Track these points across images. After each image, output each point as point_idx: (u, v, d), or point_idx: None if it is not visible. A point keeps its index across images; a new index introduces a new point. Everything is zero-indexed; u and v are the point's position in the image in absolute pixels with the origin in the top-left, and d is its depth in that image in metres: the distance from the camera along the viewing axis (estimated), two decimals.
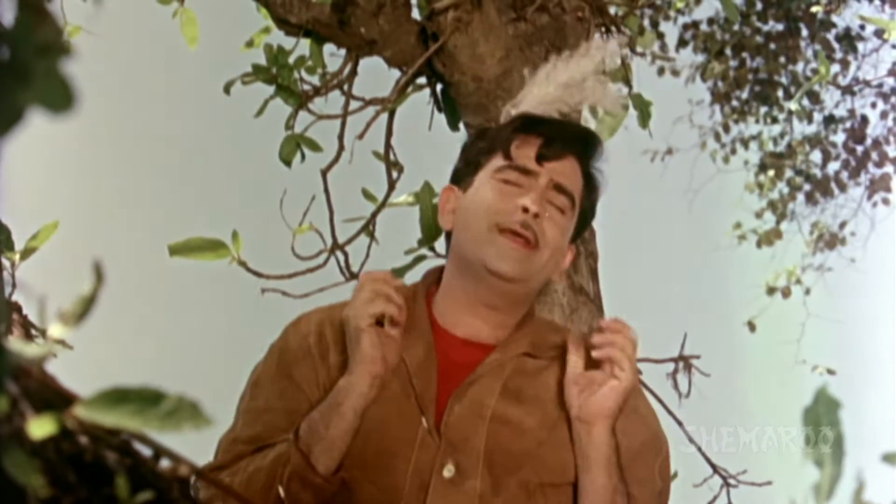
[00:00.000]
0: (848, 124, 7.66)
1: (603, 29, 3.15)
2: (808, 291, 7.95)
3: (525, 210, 1.68)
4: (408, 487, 1.61)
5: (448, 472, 1.61)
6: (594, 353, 1.65)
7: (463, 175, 1.81)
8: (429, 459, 1.62)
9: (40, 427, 0.61)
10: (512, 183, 1.72)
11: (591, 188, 1.82)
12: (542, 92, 1.84)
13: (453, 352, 1.72)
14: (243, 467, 1.63)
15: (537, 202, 1.69)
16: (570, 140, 1.78)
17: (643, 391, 1.85)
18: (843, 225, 7.98)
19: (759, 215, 8.08)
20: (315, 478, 1.57)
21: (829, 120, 7.66)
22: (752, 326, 7.72)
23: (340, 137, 2.92)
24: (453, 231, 1.77)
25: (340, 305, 1.73)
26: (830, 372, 6.92)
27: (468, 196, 1.76)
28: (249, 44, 3.33)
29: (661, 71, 7.67)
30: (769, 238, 7.97)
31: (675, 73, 7.73)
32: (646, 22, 7.25)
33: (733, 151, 8.04)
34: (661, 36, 7.51)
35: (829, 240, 7.98)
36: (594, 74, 1.88)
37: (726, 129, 7.92)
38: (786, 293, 7.86)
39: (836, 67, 7.20)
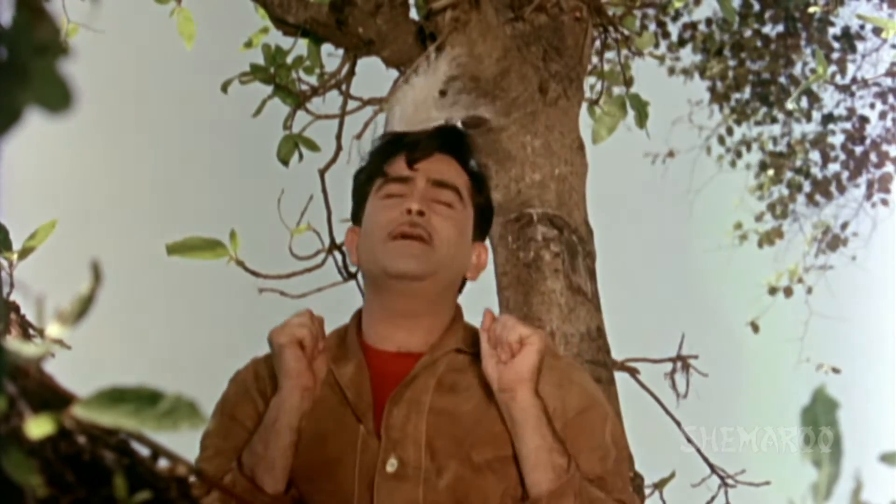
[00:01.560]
0: (847, 124, 7.67)
1: (601, 29, 3.15)
2: (809, 290, 7.96)
3: (409, 211, 1.74)
4: (356, 489, 1.64)
5: (391, 466, 1.65)
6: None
7: (357, 212, 1.89)
8: (372, 459, 1.66)
9: (38, 427, 0.61)
10: (394, 195, 1.79)
11: (477, 182, 1.88)
12: (402, 112, 1.93)
13: (387, 365, 1.76)
14: None
15: (419, 201, 1.75)
16: (434, 139, 1.85)
17: (579, 366, 1.88)
18: (844, 226, 7.98)
19: (758, 218, 8.08)
20: (264, 497, 1.60)
21: (828, 118, 7.66)
22: (755, 327, 7.71)
23: (338, 137, 2.92)
24: (359, 260, 1.84)
25: (263, 359, 1.81)
26: (835, 370, 6.90)
27: (364, 225, 1.84)
28: (248, 43, 3.33)
29: (671, 71, 7.67)
30: (770, 238, 7.97)
31: (687, 72, 7.72)
32: (651, 23, 7.26)
33: (738, 154, 8.05)
34: (667, 35, 7.51)
35: (832, 241, 7.98)
36: (438, 91, 1.96)
37: (730, 132, 7.92)
38: (788, 292, 7.86)
39: (835, 67, 7.20)
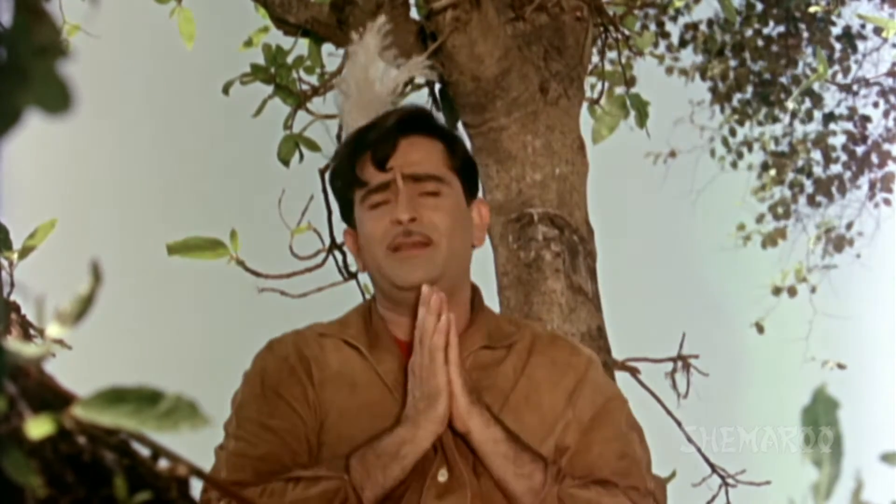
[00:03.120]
0: (849, 124, 7.67)
1: (602, 29, 3.15)
2: (814, 289, 7.95)
3: (399, 222, 1.71)
4: (406, 494, 1.64)
5: (442, 476, 1.65)
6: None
7: (346, 215, 1.86)
8: (422, 467, 1.65)
9: (38, 427, 0.61)
10: (379, 204, 1.75)
11: (451, 145, 1.83)
12: (356, 100, 1.87)
13: None
14: (278, 492, 1.63)
15: (405, 209, 1.71)
16: (391, 131, 1.78)
17: (598, 362, 1.86)
18: (850, 225, 7.98)
19: (759, 220, 8.08)
20: None
21: (829, 118, 7.66)
22: (760, 328, 7.69)
23: (339, 137, 2.92)
24: (365, 265, 1.81)
25: (308, 328, 1.80)
26: (841, 366, 6.89)
27: (360, 236, 1.80)
28: (248, 43, 3.33)
29: (669, 70, 7.68)
30: (773, 238, 7.97)
31: (685, 72, 7.72)
32: (649, 22, 7.25)
33: (740, 156, 8.06)
34: (666, 35, 7.51)
35: (837, 241, 7.97)
36: (375, 67, 1.89)
37: (732, 133, 7.92)
38: (792, 292, 7.85)
39: (836, 66, 7.20)
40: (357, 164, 1.78)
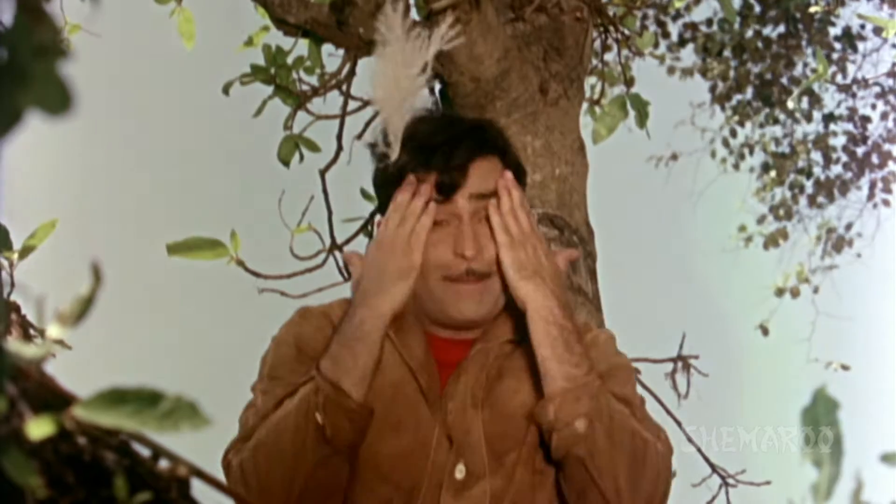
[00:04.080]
0: (849, 125, 7.67)
1: (601, 29, 3.15)
2: (816, 290, 7.95)
3: (463, 256, 1.66)
4: (424, 487, 1.62)
5: (460, 472, 1.63)
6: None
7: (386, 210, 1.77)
8: (442, 461, 1.63)
9: (39, 428, 0.61)
10: (437, 223, 1.68)
11: (503, 155, 1.78)
12: (388, 95, 1.75)
13: (439, 351, 1.73)
14: (267, 422, 1.61)
15: (471, 244, 1.66)
16: (460, 153, 1.70)
17: (607, 331, 1.84)
18: (849, 226, 7.99)
19: (760, 221, 8.09)
20: (351, 403, 1.57)
21: (829, 118, 7.67)
22: (765, 330, 7.68)
23: (339, 137, 2.92)
24: None
25: (337, 303, 1.77)
26: (844, 367, 6.88)
27: None
28: (248, 42, 3.33)
29: (670, 70, 7.68)
30: (775, 239, 7.97)
31: (688, 72, 7.72)
32: (650, 23, 7.26)
33: (741, 157, 8.06)
34: (667, 35, 7.51)
35: (837, 242, 7.98)
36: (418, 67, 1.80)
37: (733, 134, 7.92)
38: (794, 292, 7.85)
39: (835, 67, 7.20)
40: (418, 180, 1.70)
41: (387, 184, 1.74)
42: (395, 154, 1.70)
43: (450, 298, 1.68)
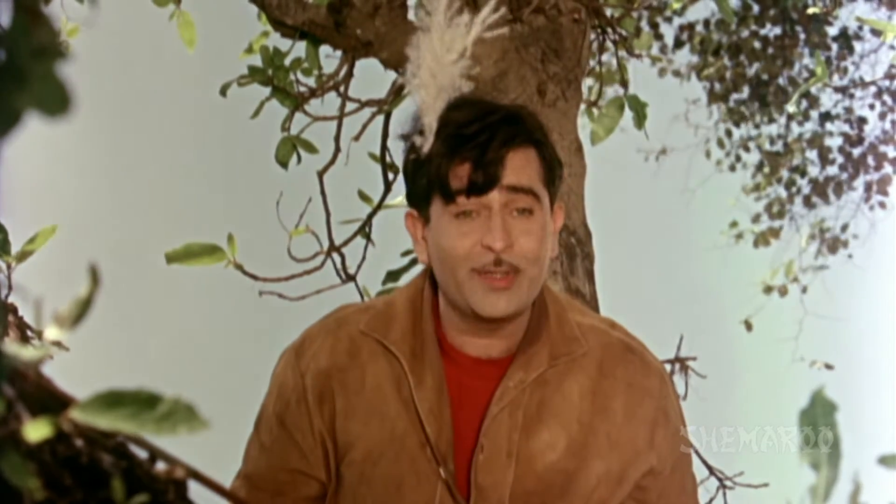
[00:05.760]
0: (845, 126, 7.68)
1: (599, 31, 3.16)
2: (805, 289, 7.96)
3: (492, 249, 1.57)
4: None
5: None
6: None
7: (417, 203, 1.68)
8: None
9: (36, 430, 0.61)
10: (468, 211, 1.59)
11: (540, 148, 1.68)
12: (425, 82, 1.64)
13: (465, 375, 1.65)
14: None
15: (500, 236, 1.57)
16: (496, 145, 1.60)
17: (667, 378, 1.79)
18: (845, 227, 7.99)
19: (754, 220, 8.10)
20: None
21: (826, 117, 7.68)
22: (748, 326, 7.73)
23: (337, 139, 2.92)
24: (433, 264, 1.66)
25: (350, 319, 1.70)
26: (828, 367, 6.90)
27: (433, 230, 1.64)
28: (249, 50, 3.33)
29: (661, 72, 7.69)
30: (766, 238, 7.99)
31: (677, 73, 7.74)
32: (644, 23, 7.26)
33: (738, 158, 8.07)
34: (659, 37, 7.52)
35: (832, 243, 7.99)
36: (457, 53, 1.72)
37: (729, 134, 7.93)
38: (783, 291, 7.87)
39: (833, 67, 7.21)
40: (451, 172, 1.59)
41: (417, 173, 1.64)
42: (428, 145, 1.60)
43: (478, 294, 1.58)
